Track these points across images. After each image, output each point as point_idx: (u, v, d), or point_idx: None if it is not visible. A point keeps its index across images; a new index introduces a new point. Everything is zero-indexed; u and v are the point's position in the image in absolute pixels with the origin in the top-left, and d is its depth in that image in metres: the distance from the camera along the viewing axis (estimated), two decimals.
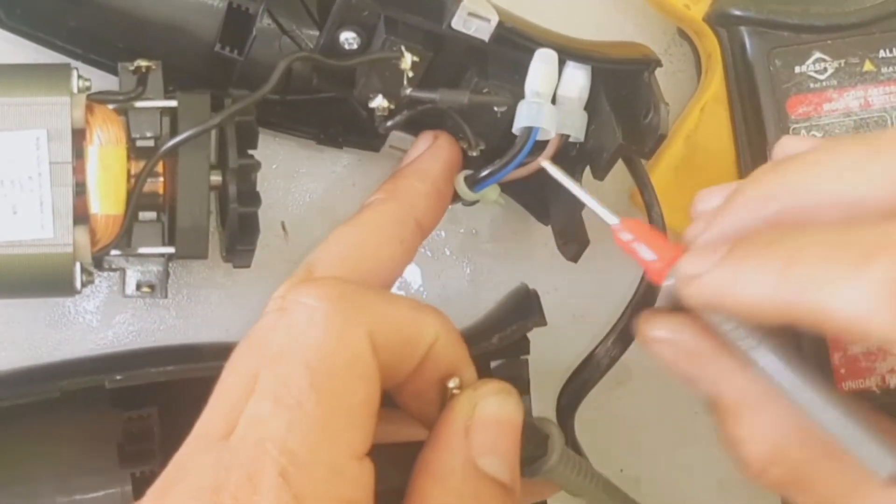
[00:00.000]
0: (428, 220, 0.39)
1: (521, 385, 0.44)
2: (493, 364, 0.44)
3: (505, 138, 0.41)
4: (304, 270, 0.35)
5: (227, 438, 0.29)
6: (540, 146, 0.41)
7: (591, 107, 0.42)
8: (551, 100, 0.41)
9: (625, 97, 0.41)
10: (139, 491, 0.42)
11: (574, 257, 0.45)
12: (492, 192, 0.43)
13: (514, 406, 0.32)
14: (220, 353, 0.43)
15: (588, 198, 0.39)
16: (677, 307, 0.34)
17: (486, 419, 0.31)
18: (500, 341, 0.42)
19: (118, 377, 0.41)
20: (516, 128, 0.40)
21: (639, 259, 0.35)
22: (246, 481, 0.27)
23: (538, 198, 0.47)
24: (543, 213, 0.47)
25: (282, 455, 0.27)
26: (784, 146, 0.34)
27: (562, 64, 0.41)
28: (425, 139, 0.42)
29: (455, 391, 0.32)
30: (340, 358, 0.29)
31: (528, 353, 0.44)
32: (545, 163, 0.41)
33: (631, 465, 0.52)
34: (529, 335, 0.43)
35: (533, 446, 0.33)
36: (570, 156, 0.42)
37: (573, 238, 0.44)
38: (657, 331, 0.34)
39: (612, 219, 0.36)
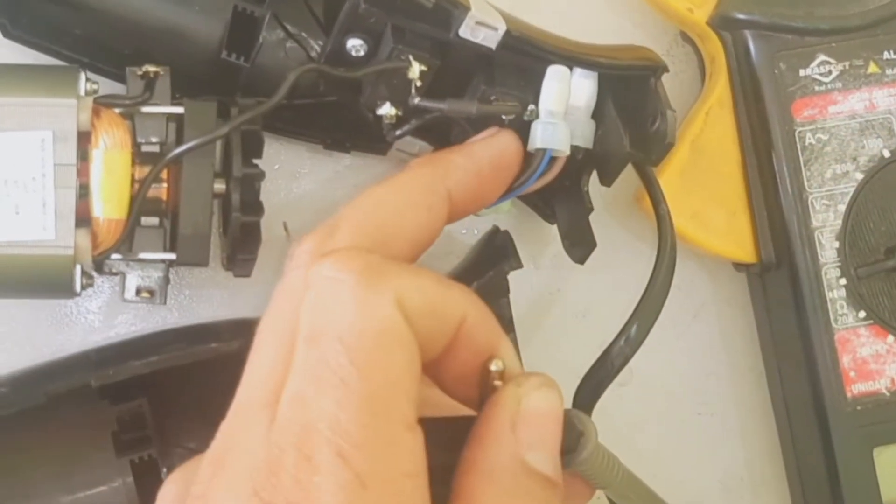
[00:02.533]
0: (461, 195, 0.37)
1: (505, 324, 0.44)
2: None
3: None
4: (328, 227, 0.34)
5: (273, 407, 0.28)
6: (552, 160, 0.41)
7: (597, 113, 0.41)
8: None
9: (631, 103, 0.41)
10: (140, 478, 0.42)
11: (581, 259, 0.44)
12: (505, 203, 0.43)
13: (558, 399, 0.32)
14: (200, 335, 0.44)
15: None
16: None
17: (531, 413, 0.31)
18: (480, 288, 0.43)
19: (104, 374, 0.41)
20: (531, 147, 0.40)
21: None
22: (304, 462, 0.27)
23: (544, 199, 0.47)
24: (549, 214, 0.47)
25: (335, 435, 0.27)
26: None
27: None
28: (487, 131, 0.40)
29: (497, 377, 0.31)
30: (373, 328, 0.28)
31: (508, 294, 0.44)
32: None
33: (631, 465, 0.51)
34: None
35: (567, 438, 0.32)
36: (577, 160, 0.42)
37: (580, 240, 0.44)
38: None
39: None
